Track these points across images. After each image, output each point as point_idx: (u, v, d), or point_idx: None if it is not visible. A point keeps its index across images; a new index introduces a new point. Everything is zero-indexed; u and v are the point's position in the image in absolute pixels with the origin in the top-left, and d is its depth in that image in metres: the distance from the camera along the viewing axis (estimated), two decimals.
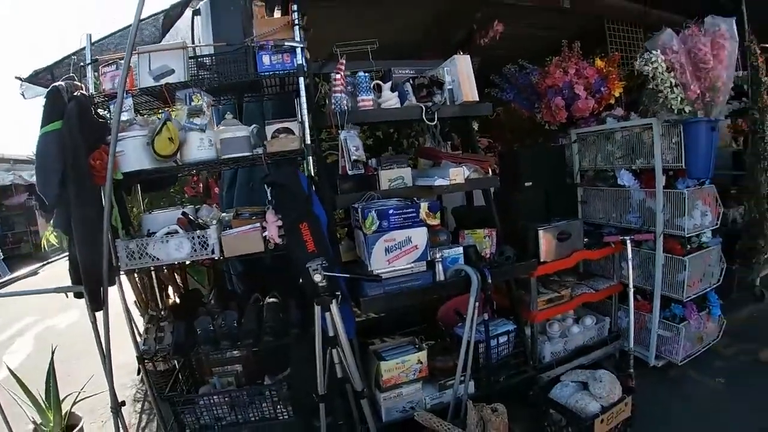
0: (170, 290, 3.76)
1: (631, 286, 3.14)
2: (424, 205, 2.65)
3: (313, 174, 2.61)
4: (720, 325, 3.62)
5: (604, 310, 3.59)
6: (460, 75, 2.95)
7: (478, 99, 2.97)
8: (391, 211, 2.58)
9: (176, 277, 3.70)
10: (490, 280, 2.67)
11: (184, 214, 2.65)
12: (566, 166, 3.95)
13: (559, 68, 3.65)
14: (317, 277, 2.21)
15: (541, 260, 3.14)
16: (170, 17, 3.66)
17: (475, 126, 5.02)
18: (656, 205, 3.19)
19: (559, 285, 3.38)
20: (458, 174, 2.80)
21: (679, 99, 2.90)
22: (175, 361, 3.26)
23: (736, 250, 4.43)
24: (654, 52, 2.91)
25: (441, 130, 3.35)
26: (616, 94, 3.62)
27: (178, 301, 3.57)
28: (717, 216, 3.32)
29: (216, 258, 2.59)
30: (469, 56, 3.02)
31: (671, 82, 2.89)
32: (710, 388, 3.23)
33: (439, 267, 2.73)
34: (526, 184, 3.48)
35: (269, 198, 2.62)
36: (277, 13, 3.23)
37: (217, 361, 3.03)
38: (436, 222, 2.72)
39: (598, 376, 2.73)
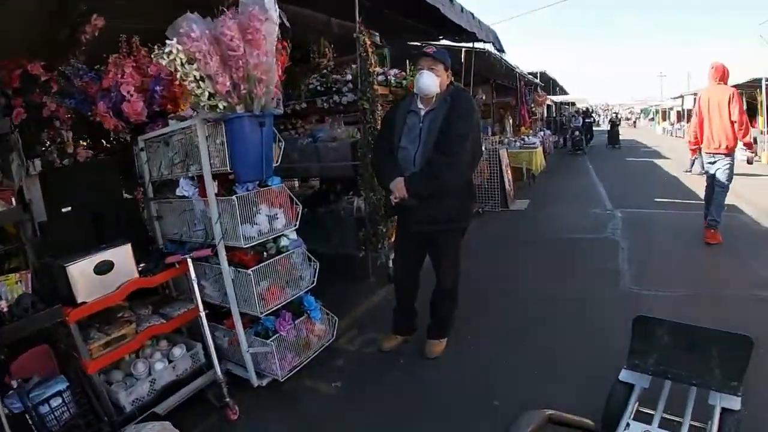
0: None
1: (201, 309, 2.83)
2: None
3: None
4: (332, 324, 3.48)
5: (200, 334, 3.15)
6: None
7: None
8: None
9: None
10: None
11: None
12: (138, 178, 3.43)
13: (117, 68, 3.11)
14: None
15: (79, 301, 2.53)
16: None
17: None
18: (212, 214, 2.83)
19: (122, 322, 2.81)
20: None
21: (206, 94, 2.53)
22: None
23: (361, 237, 4.47)
24: (171, 41, 2.49)
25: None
26: None
27: None
28: (295, 216, 3.10)
29: None
30: None
31: (195, 76, 2.51)
32: (325, 397, 3.05)
33: None
34: (64, 209, 2.85)
35: None
36: None
37: None
38: None
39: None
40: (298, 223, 3.11)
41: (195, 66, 2.49)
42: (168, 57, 2.46)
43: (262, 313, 2.87)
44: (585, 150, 17.78)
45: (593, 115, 26.61)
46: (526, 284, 4.54)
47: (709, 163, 5.47)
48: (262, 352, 3.03)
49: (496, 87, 13.69)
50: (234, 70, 2.56)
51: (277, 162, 2.95)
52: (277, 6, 2.64)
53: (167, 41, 2.47)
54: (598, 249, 5.49)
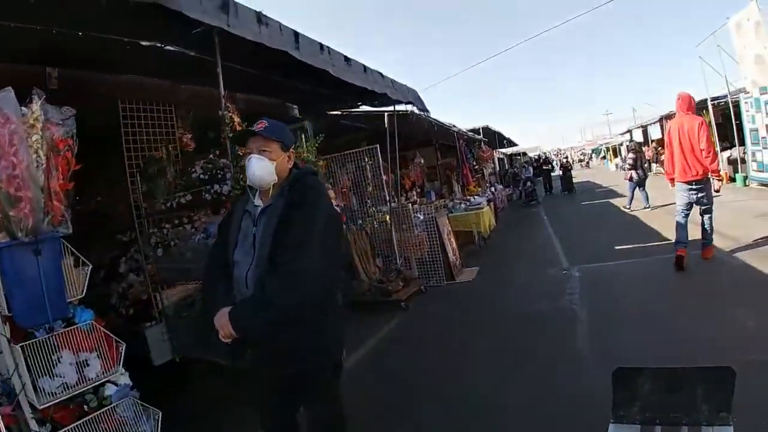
0: None
1: None
2: None
3: None
4: None
5: None
6: None
7: None
8: None
9: None
10: None
11: None
12: None
13: None
14: None
15: None
16: None
17: None
18: (8, 364, 2.05)
19: None
20: None
21: None
22: None
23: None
24: None
25: None
26: None
27: None
28: (117, 358, 2.28)
29: None
30: None
31: None
32: None
33: None
34: None
35: None
36: None
37: None
38: None
39: None
40: (121, 366, 2.29)
41: None
42: None
43: None
44: (539, 200, 17.43)
45: (551, 162, 25.65)
46: (465, 389, 3.58)
47: (692, 192, 5.53)
48: None
49: (440, 148, 13.29)
50: None
51: (81, 293, 2.19)
52: (41, 102, 1.95)
53: None
54: (554, 325, 4.63)
